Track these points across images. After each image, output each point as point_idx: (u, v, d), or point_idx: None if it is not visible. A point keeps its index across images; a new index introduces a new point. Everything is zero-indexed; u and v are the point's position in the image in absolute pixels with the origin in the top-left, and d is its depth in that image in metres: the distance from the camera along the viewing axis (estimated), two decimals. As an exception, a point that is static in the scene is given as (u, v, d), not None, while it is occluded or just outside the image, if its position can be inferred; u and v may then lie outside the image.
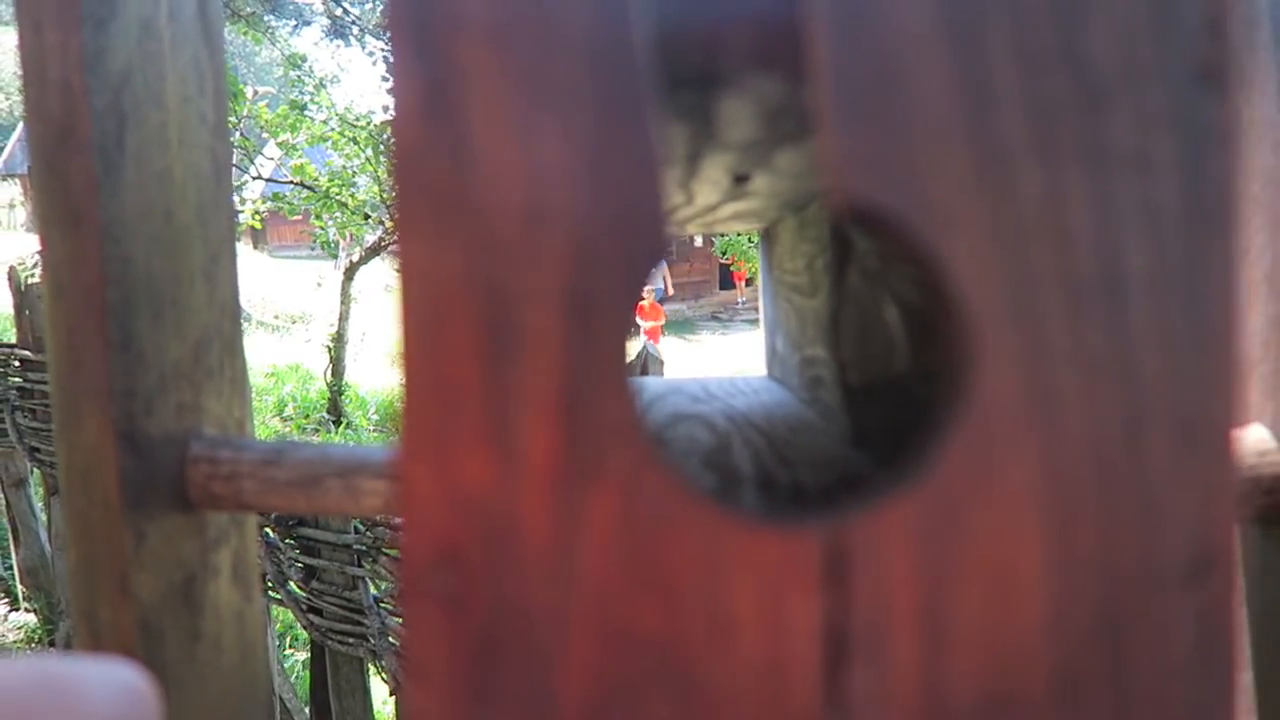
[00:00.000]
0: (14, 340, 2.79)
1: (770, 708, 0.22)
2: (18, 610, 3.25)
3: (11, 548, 3.21)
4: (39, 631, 3.14)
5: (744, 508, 0.23)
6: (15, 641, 3.12)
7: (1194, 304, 0.21)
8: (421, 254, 0.21)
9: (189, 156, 0.66)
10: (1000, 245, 0.21)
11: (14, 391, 2.73)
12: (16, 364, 2.72)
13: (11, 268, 3.00)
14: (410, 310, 0.21)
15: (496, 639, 0.22)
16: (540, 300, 0.21)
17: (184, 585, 0.62)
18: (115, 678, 0.24)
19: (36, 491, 3.12)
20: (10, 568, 3.30)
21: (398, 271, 0.21)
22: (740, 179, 0.53)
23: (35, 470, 2.94)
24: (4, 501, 3.15)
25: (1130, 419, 0.21)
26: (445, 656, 0.22)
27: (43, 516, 3.09)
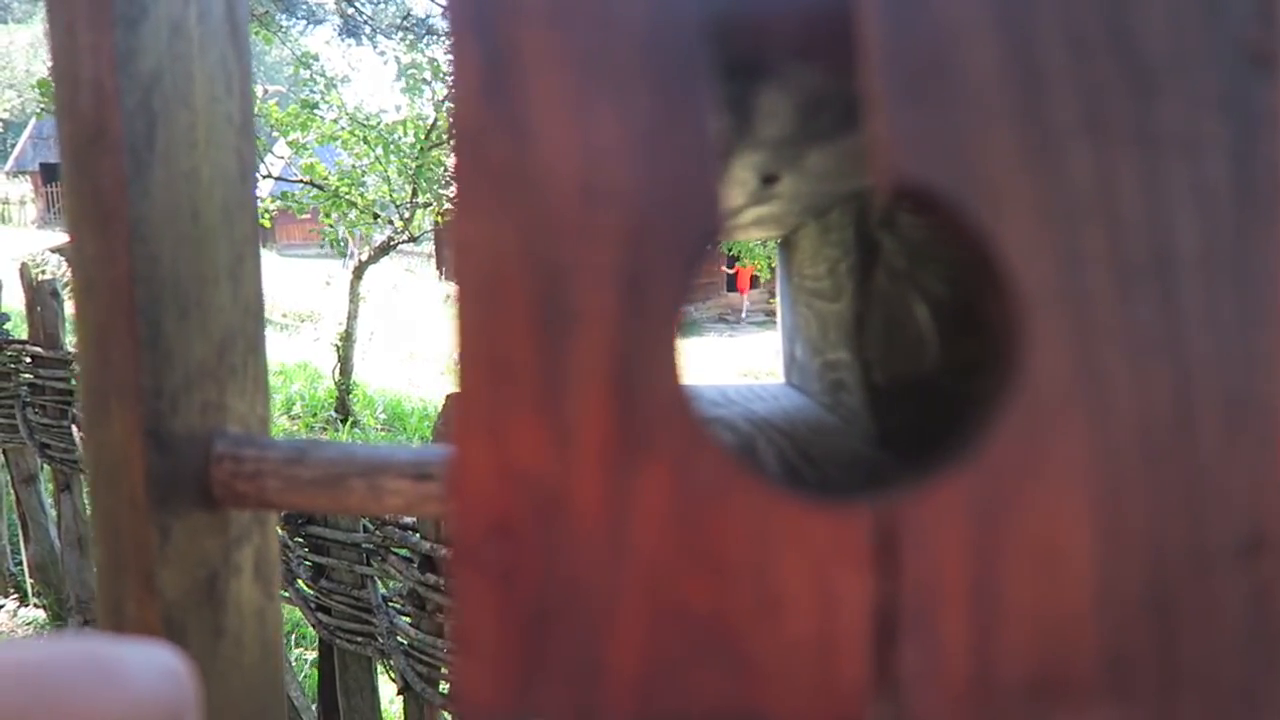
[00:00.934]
0: (25, 336, 2.80)
1: (819, 684, 0.22)
2: (27, 606, 3.26)
3: (21, 543, 3.21)
4: (48, 627, 3.14)
5: (794, 487, 0.23)
6: (24, 637, 3.12)
7: (1244, 285, 0.21)
8: (478, 230, 0.21)
9: (216, 157, 0.67)
10: (1050, 225, 0.21)
11: (25, 388, 2.74)
12: (28, 360, 2.73)
13: (23, 264, 3.02)
14: (465, 286, 0.22)
15: (547, 612, 0.22)
16: (594, 278, 0.21)
17: (207, 582, 0.62)
18: (157, 659, 0.24)
19: (46, 488, 3.13)
20: (20, 563, 3.31)
21: (452, 246, 0.22)
22: (768, 180, 0.53)
23: (45, 466, 2.95)
24: (14, 497, 3.15)
25: (1180, 398, 0.21)
26: (495, 629, 0.22)
27: (52, 513, 3.10)
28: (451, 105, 0.21)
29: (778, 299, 1.01)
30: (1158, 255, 0.21)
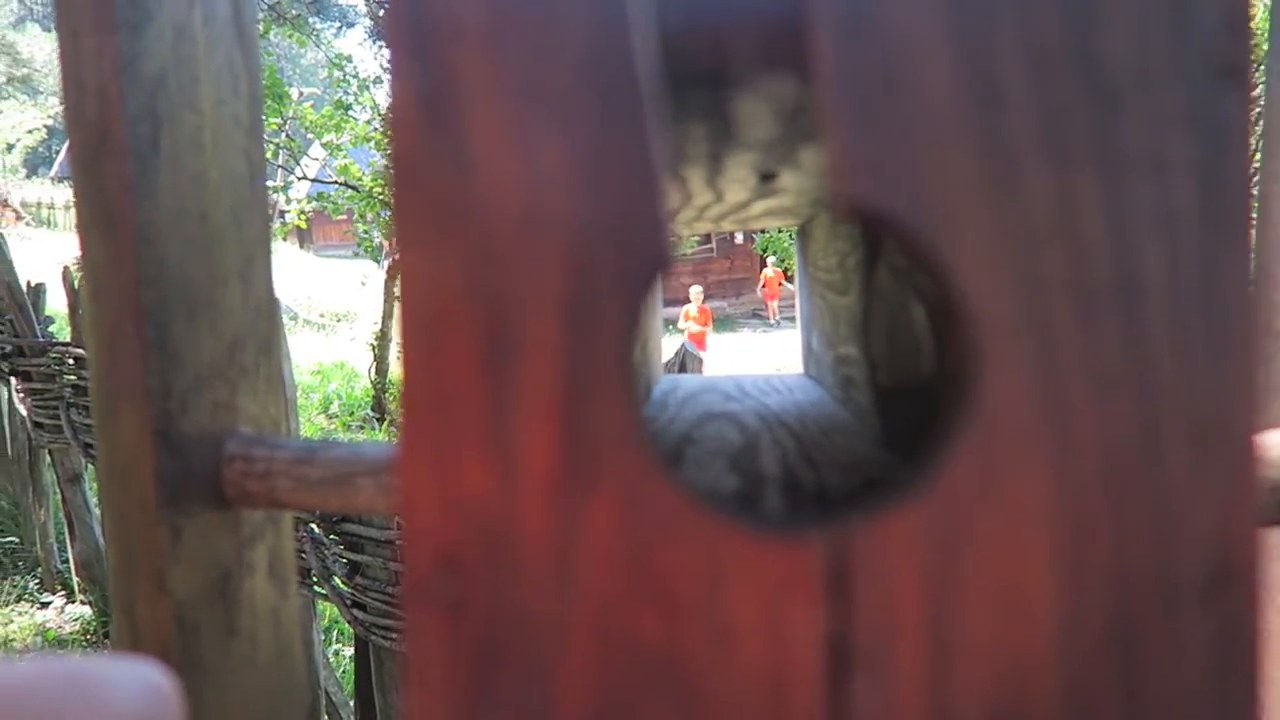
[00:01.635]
0: (68, 339, 2.86)
1: (771, 718, 0.21)
2: (74, 603, 3.34)
3: (68, 541, 3.29)
4: (94, 624, 3.21)
5: (760, 517, 0.23)
6: (72, 633, 3.20)
7: (1212, 308, 0.20)
8: (421, 261, 0.21)
9: (223, 159, 0.67)
10: (1009, 251, 0.21)
11: (69, 389, 2.80)
12: (71, 362, 2.79)
13: (65, 268, 3.08)
14: (410, 316, 0.21)
15: (496, 645, 0.22)
16: (538, 307, 0.21)
17: (220, 582, 0.63)
18: (139, 677, 0.25)
19: (91, 487, 3.20)
20: (67, 561, 3.39)
21: (400, 278, 0.21)
22: (767, 177, 0.53)
23: (89, 466, 3.01)
24: (60, 496, 3.23)
25: (1145, 427, 0.21)
26: (445, 662, 0.22)
27: (97, 511, 3.17)
28: (390, 138, 0.21)
29: (796, 288, 1.00)
30: (1122, 280, 0.20)
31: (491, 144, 0.21)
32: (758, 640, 0.21)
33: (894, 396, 0.52)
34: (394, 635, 1.51)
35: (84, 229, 0.62)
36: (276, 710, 0.68)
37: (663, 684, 0.21)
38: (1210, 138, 0.20)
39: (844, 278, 0.68)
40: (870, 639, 0.21)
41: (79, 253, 0.64)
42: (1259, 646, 0.21)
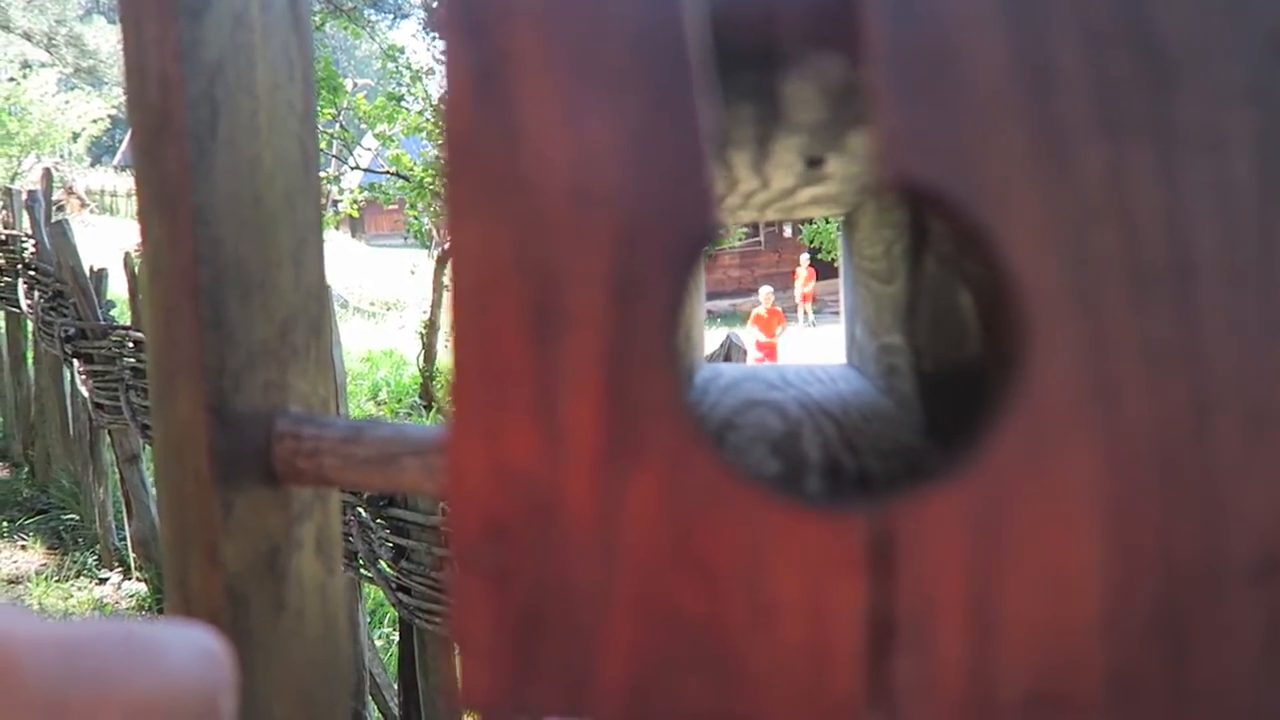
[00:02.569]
0: (129, 323, 2.93)
1: (811, 694, 0.21)
2: (130, 579, 3.43)
3: (125, 520, 3.38)
4: (149, 600, 3.30)
5: (792, 492, 0.23)
6: (128, 608, 3.29)
7: (1268, 289, 0.20)
8: (472, 235, 0.21)
9: (278, 143, 0.68)
10: (1059, 228, 0.20)
11: (128, 371, 2.86)
12: (131, 345, 2.85)
13: (127, 254, 3.15)
14: (461, 289, 0.22)
15: (539, 613, 0.22)
16: (586, 281, 0.21)
17: (269, 556, 0.64)
18: (194, 641, 0.25)
19: (148, 466, 3.28)
20: (124, 538, 3.47)
21: (450, 252, 0.22)
22: (814, 162, 0.52)
23: (147, 446, 3.08)
24: (119, 476, 3.31)
25: (1197, 409, 0.20)
26: (490, 627, 0.22)
27: (154, 491, 3.24)
28: (444, 111, 0.21)
29: (840, 278, 1.00)
30: (1175, 259, 0.20)
31: (542, 119, 0.21)
32: (799, 616, 0.21)
33: (938, 384, 0.52)
34: (438, 619, 1.53)
35: (144, 210, 0.63)
36: (322, 683, 0.70)
37: (703, 656, 0.22)
38: (1269, 113, 0.20)
39: (889, 266, 0.67)
40: (912, 617, 0.21)
41: (139, 236, 0.66)
42: (1311, 635, 0.21)
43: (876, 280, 0.72)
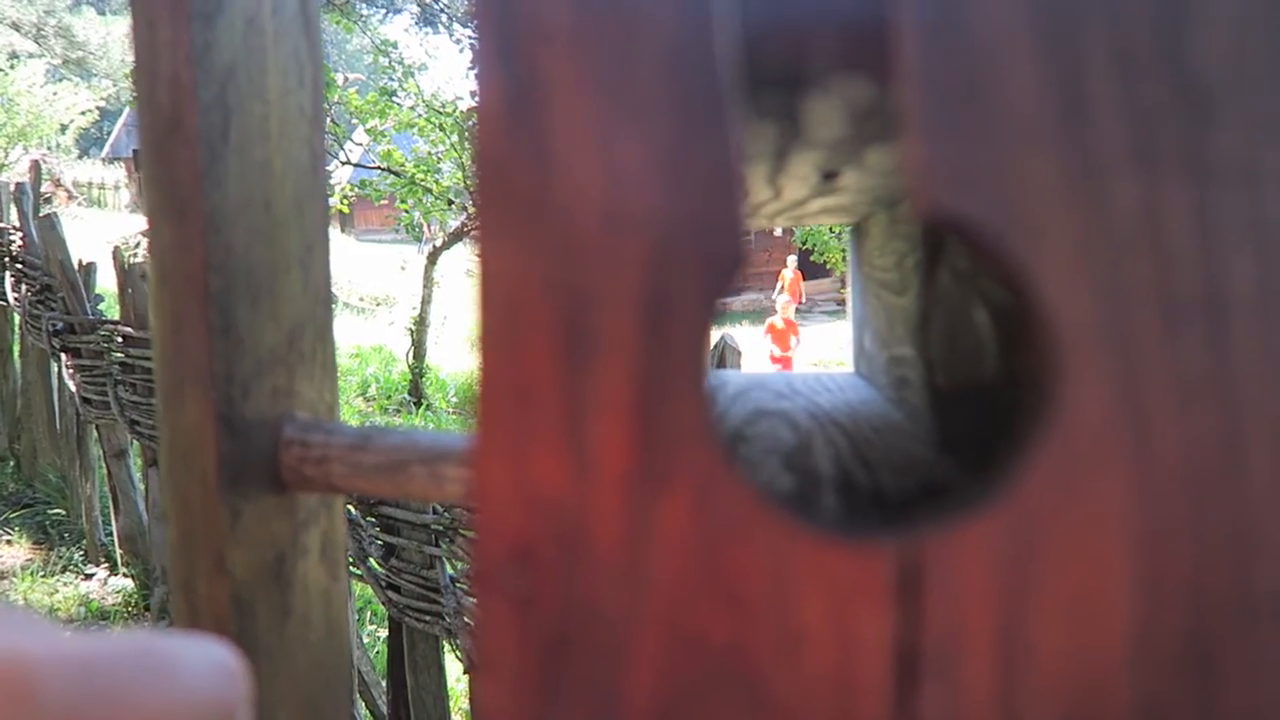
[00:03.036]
0: (118, 317, 2.91)
1: (838, 722, 0.21)
2: (117, 575, 3.42)
3: (112, 515, 3.37)
4: (135, 596, 3.29)
5: (818, 518, 0.23)
6: (114, 605, 3.28)
7: (1303, 323, 0.20)
8: (501, 256, 0.21)
9: (288, 148, 0.68)
10: (1093, 259, 0.20)
11: (116, 366, 2.86)
12: (119, 340, 2.84)
13: (115, 248, 3.14)
14: (488, 311, 0.22)
15: (566, 638, 0.22)
16: (616, 304, 0.21)
17: (275, 563, 0.64)
18: (211, 655, 0.25)
19: (135, 462, 3.27)
20: (110, 534, 3.46)
21: (477, 273, 0.22)
22: (829, 175, 0.52)
23: (134, 442, 3.07)
24: (105, 471, 3.30)
25: (1228, 442, 0.20)
26: (515, 653, 0.22)
27: (141, 486, 3.23)
28: (475, 133, 0.21)
29: (849, 287, 1.00)
30: (1209, 293, 0.20)
31: (574, 142, 0.21)
32: (826, 643, 0.21)
33: (951, 398, 0.52)
34: (427, 618, 1.53)
35: (152, 214, 0.63)
36: (326, 687, 0.70)
37: (730, 683, 0.22)
38: (1306, 149, 0.20)
39: (901, 278, 0.67)
40: (940, 647, 0.21)
41: (146, 236, 0.66)
42: (1339, 667, 0.21)
43: (888, 291, 0.72)
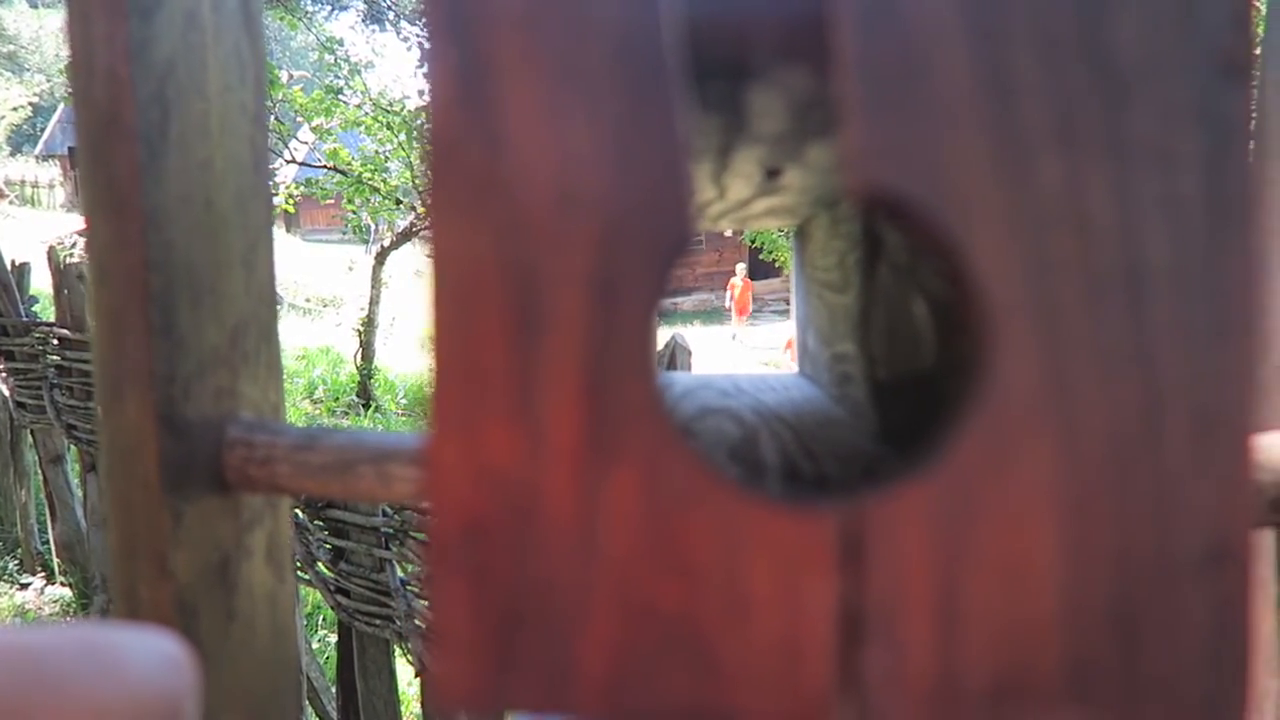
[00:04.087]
0: (53, 319, 2.83)
1: (786, 685, 0.22)
2: (54, 584, 3.31)
3: (49, 522, 3.27)
4: (74, 605, 3.19)
5: (763, 491, 0.23)
6: (52, 614, 3.18)
7: (1214, 297, 0.21)
8: (454, 237, 0.22)
9: (229, 145, 0.68)
10: (1020, 235, 0.21)
11: (52, 369, 2.78)
12: (55, 342, 2.77)
13: (50, 247, 3.05)
14: (441, 291, 0.22)
15: (519, 611, 0.22)
16: (567, 284, 0.22)
17: (220, 565, 0.63)
18: (157, 647, 0.25)
19: (73, 468, 3.17)
20: (47, 542, 3.36)
21: (430, 254, 0.22)
22: (772, 173, 0.53)
23: (72, 447, 2.99)
24: (42, 477, 3.20)
25: (1148, 410, 0.22)
26: (469, 625, 0.22)
27: (79, 492, 3.14)
28: (428, 114, 0.21)
29: (792, 288, 1.01)
30: (1128, 265, 0.21)
31: (525, 123, 0.22)
32: (773, 609, 0.22)
33: (891, 391, 0.53)
34: (377, 622, 1.52)
35: (90, 211, 0.62)
36: (272, 693, 0.69)
37: (680, 649, 0.22)
38: (1215, 131, 0.21)
39: (843, 276, 0.68)
40: (881, 609, 0.22)
41: (83, 235, 0.65)
42: (1252, 624, 0.22)
43: (829, 290, 0.74)
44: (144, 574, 0.59)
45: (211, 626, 0.61)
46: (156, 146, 0.60)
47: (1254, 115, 0.22)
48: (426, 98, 0.21)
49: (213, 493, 0.63)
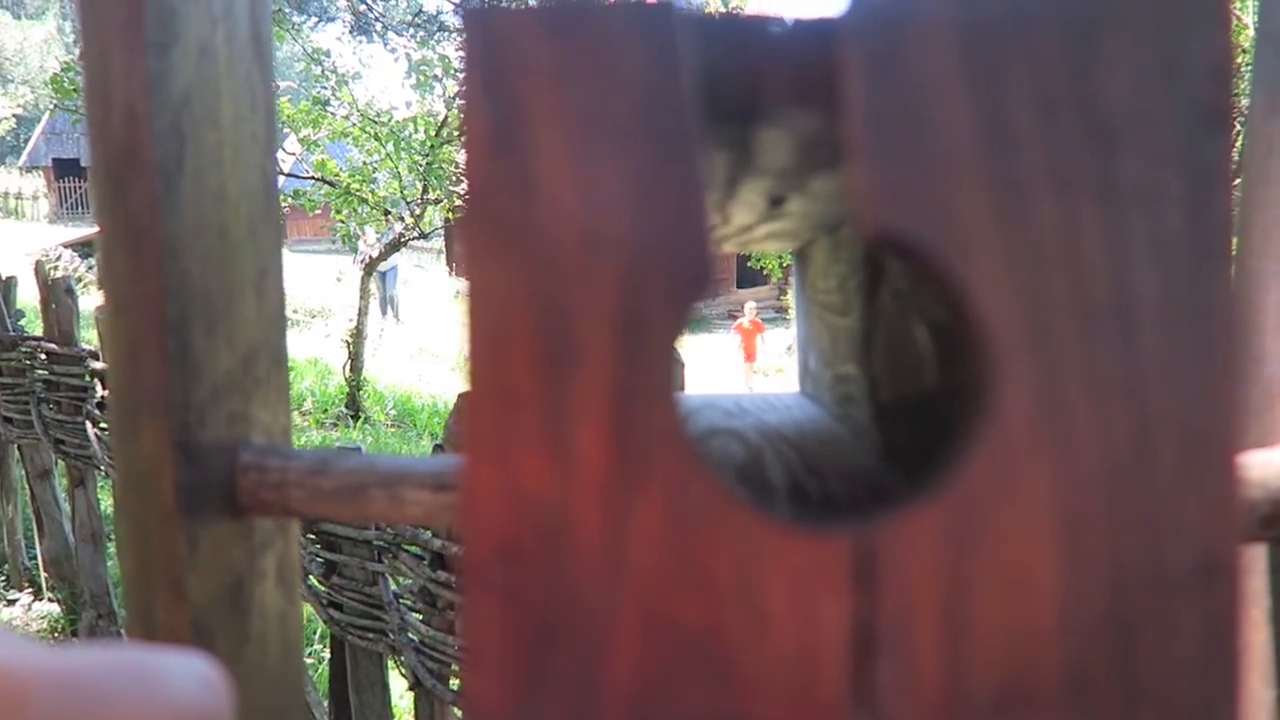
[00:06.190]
0: (40, 333, 2.81)
1: (802, 696, 0.23)
2: (41, 600, 3.28)
3: (36, 538, 3.24)
4: (62, 621, 3.16)
5: (779, 513, 0.25)
6: (39, 631, 3.15)
7: (1199, 328, 0.23)
8: (488, 275, 0.23)
9: (242, 174, 0.69)
10: (1018, 272, 0.23)
11: (40, 384, 2.74)
12: (42, 357, 2.73)
13: (38, 261, 3.03)
14: (476, 326, 0.23)
15: (550, 629, 0.24)
16: (594, 318, 0.23)
17: (233, 588, 0.64)
18: (195, 669, 0.26)
19: (60, 483, 3.14)
20: (35, 558, 3.33)
21: (466, 291, 0.23)
22: (776, 202, 0.55)
23: (59, 462, 2.96)
24: (29, 493, 3.17)
25: (1140, 434, 0.23)
26: (501, 644, 0.24)
27: (66, 508, 3.10)
28: (465, 162, 0.23)
29: (793, 308, 1.03)
30: (1119, 300, 0.23)
31: (555, 170, 0.23)
32: (790, 624, 0.23)
33: (894, 412, 0.54)
34: (370, 635, 1.51)
35: (108, 243, 0.64)
36: (282, 712, 0.70)
37: (702, 663, 0.24)
38: (1197, 175, 0.23)
39: (844, 300, 0.70)
40: (892, 624, 0.23)
41: (102, 269, 0.66)
42: (1242, 633, 0.23)
43: (831, 312, 0.75)
44: (160, 598, 0.60)
45: (227, 649, 0.62)
46: (173, 178, 0.62)
47: (1242, 117, 0.24)
48: (463, 148, 0.23)
49: (226, 517, 0.64)
